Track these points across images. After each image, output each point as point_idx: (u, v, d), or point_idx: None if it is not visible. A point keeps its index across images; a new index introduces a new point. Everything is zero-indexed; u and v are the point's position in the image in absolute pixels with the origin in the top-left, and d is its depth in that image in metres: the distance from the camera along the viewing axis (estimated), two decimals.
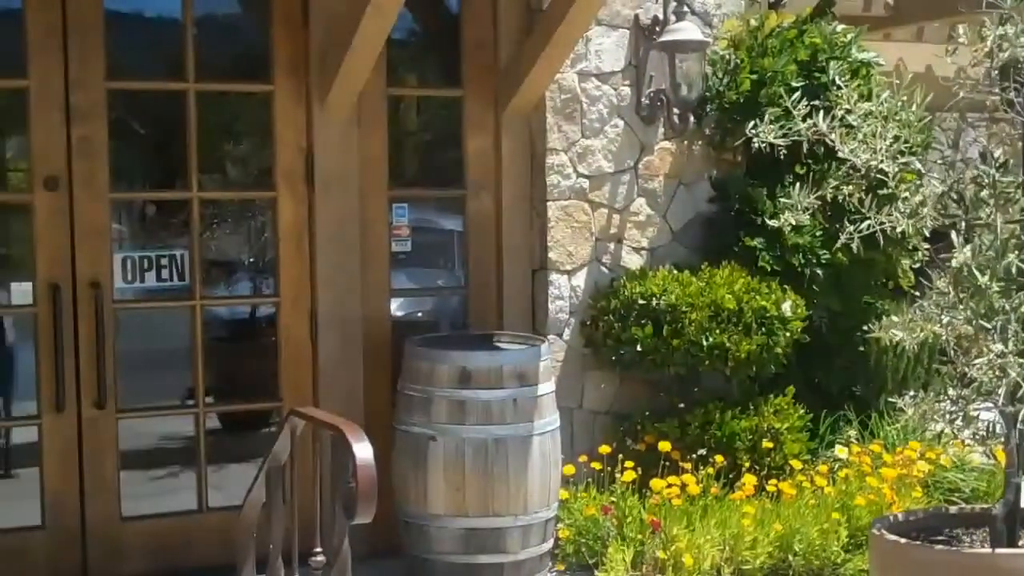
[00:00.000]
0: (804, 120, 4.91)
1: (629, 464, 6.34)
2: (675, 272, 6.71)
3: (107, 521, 6.06)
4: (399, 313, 6.99)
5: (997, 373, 4.45)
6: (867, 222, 4.80)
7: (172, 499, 6.51)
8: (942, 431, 6.39)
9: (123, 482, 6.13)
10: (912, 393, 5.27)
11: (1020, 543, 4.84)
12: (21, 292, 6.55)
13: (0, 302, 6.93)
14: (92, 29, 5.90)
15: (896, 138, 4.87)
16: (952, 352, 4.74)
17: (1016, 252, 4.57)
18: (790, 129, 4.98)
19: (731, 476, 6.44)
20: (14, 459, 6.76)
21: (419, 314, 7.79)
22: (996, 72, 4.59)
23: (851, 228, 4.82)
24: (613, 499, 6.23)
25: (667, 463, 6.36)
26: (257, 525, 4.87)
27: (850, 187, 4.88)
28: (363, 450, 4.04)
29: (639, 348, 6.45)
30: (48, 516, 5.98)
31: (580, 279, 6.78)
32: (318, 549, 4.49)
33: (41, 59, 5.83)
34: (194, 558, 6.16)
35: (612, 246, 6.86)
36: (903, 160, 4.85)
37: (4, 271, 6.86)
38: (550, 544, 6.12)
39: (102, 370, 5.94)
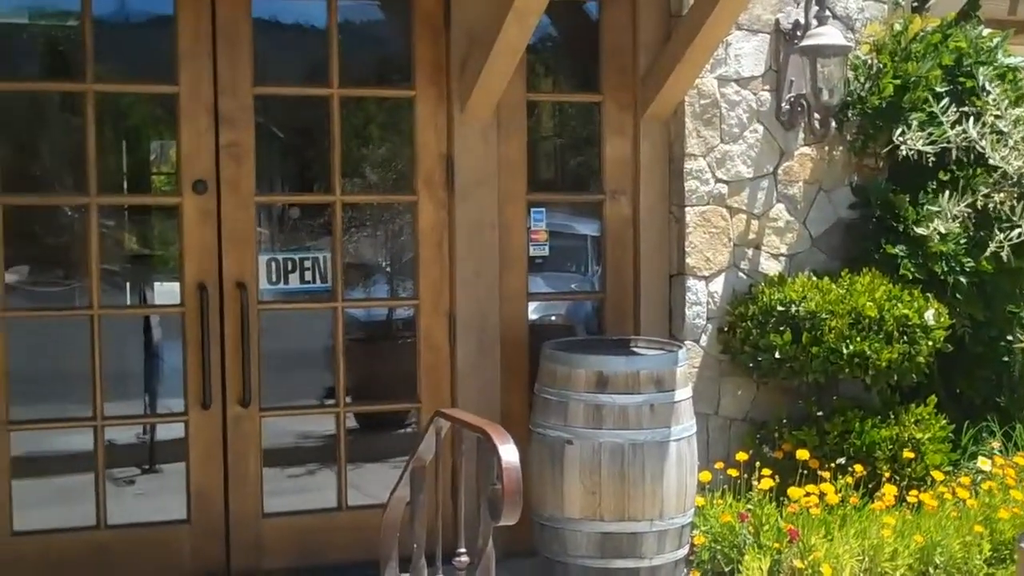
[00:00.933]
0: (953, 127, 4.83)
1: (766, 472, 6.29)
2: (814, 279, 6.64)
3: (249, 517, 6.18)
4: (534, 316, 7.03)
5: None
6: (1017, 230, 4.71)
7: (311, 497, 6.63)
8: None
9: (264, 479, 6.25)
10: None
11: None
12: (168, 292, 6.72)
13: (149, 301, 7.14)
14: (241, 36, 6.03)
15: None
16: None
17: None
18: (938, 136, 4.89)
19: (870, 486, 6.36)
20: (160, 454, 6.94)
21: (553, 318, 7.82)
22: None
23: (1001, 236, 4.73)
24: (750, 507, 6.19)
25: (805, 471, 6.30)
26: (400, 524, 4.93)
27: (1001, 194, 4.79)
28: (509, 452, 4.07)
29: (777, 355, 6.40)
30: (193, 510, 6.12)
31: (718, 285, 6.75)
32: (461, 549, 4.53)
33: (191, 65, 5.98)
34: (332, 555, 6.26)
35: (750, 252, 6.82)
36: None
37: (152, 271, 7.05)
38: (685, 550, 6.10)
39: (247, 369, 6.06)
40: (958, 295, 6.66)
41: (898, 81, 6.72)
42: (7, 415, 5.82)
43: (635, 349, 6.32)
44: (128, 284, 7.90)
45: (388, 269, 7.54)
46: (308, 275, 6.44)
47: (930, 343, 6.47)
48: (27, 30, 6.93)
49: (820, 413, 6.60)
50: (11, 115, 6.08)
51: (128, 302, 7.45)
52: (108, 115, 6.40)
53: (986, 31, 7.05)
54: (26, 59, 7.01)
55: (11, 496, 5.85)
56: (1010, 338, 5.75)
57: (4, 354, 5.80)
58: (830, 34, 6.56)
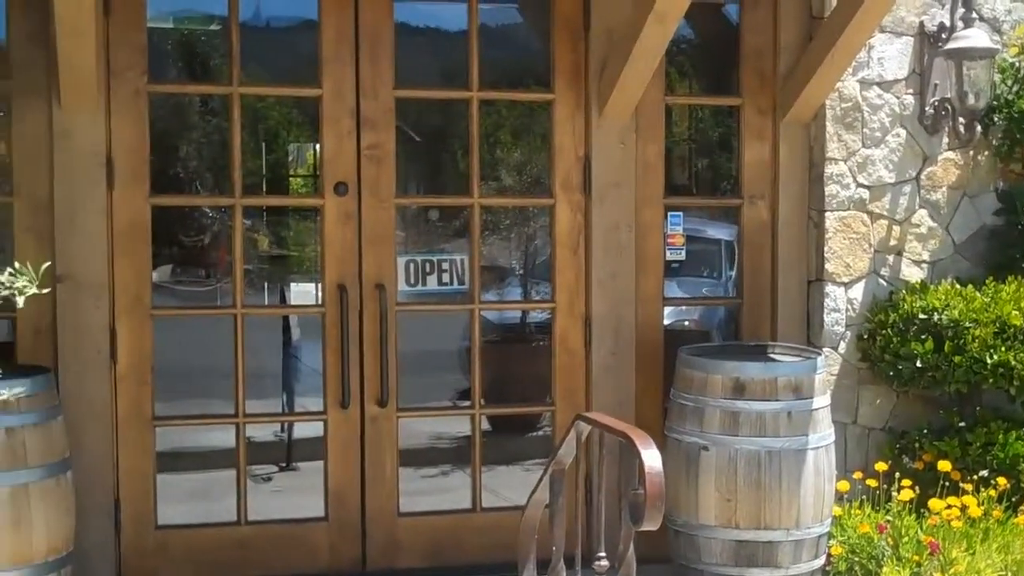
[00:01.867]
0: None
1: (906, 483, 6.17)
2: (957, 286, 6.50)
3: (385, 516, 6.23)
4: (668, 320, 7.00)
5: None
6: None
7: (445, 497, 6.68)
8: None
9: (400, 478, 6.30)
10: None
11: None
12: (304, 292, 6.83)
13: (286, 301, 7.26)
14: (383, 39, 6.08)
15: None
16: None
17: None
18: None
19: (1014, 499, 6.20)
20: (297, 452, 7.06)
21: (687, 322, 7.79)
22: None
23: None
24: (889, 518, 6.08)
25: (946, 483, 6.16)
26: (539, 526, 4.94)
27: None
28: (652, 458, 4.05)
29: (918, 364, 6.28)
30: (331, 508, 6.19)
31: (857, 291, 6.64)
32: (601, 553, 4.52)
33: (334, 69, 6.05)
34: (466, 556, 6.28)
35: (891, 258, 6.70)
36: None
37: (289, 271, 7.16)
38: (822, 560, 6.01)
39: (384, 369, 6.12)
40: None
41: None
42: (153, 411, 5.94)
43: (772, 355, 6.25)
44: (266, 284, 8.06)
45: (522, 271, 7.57)
46: (445, 277, 6.49)
47: None
48: (172, 35, 7.10)
49: (962, 424, 6.45)
50: (158, 118, 6.21)
51: (266, 301, 7.59)
52: (249, 118, 6.52)
53: None
54: (170, 63, 7.19)
55: (156, 490, 5.97)
56: None
57: (151, 352, 5.92)
58: (976, 37, 6.42)
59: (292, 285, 7.86)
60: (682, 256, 6.76)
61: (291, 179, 9.55)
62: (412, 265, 6.43)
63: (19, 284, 3.14)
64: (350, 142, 6.08)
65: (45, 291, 3.17)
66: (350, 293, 6.09)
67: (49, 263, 3.40)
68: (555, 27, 6.34)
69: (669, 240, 6.69)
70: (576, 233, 6.42)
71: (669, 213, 6.67)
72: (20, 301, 3.13)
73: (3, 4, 5.67)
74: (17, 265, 3.12)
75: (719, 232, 7.68)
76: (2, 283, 3.13)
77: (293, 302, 7.59)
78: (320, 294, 6.24)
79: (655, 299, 6.57)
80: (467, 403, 6.55)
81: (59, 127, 5.64)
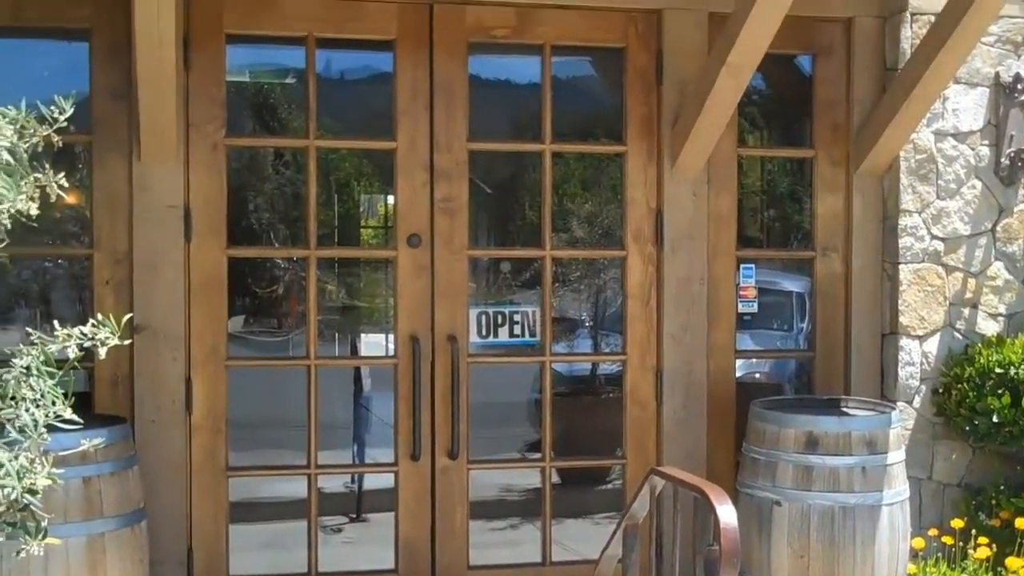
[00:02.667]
0: None
1: (982, 540, 6.07)
2: None
3: (455, 569, 6.22)
4: (739, 373, 6.95)
5: None
6: None
7: (515, 550, 6.65)
8: None
9: (470, 531, 6.28)
10: None
11: None
12: (375, 343, 6.86)
13: (357, 351, 7.29)
14: (457, 92, 6.14)
15: None
16: None
17: None
18: None
19: None
20: (368, 504, 7.06)
21: (758, 375, 7.74)
22: None
23: None
24: None
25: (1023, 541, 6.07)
26: None
27: None
28: (727, 514, 4.02)
29: (994, 419, 6.19)
30: (401, 561, 6.19)
31: (932, 345, 6.57)
32: None
33: (409, 121, 6.11)
34: None
35: (966, 311, 6.63)
36: None
37: (360, 322, 7.19)
38: None
39: (455, 421, 6.12)
40: None
41: None
42: (226, 461, 5.98)
43: (846, 409, 6.19)
44: (337, 334, 8.11)
45: (593, 323, 7.55)
46: (517, 329, 6.50)
47: None
48: (248, 87, 7.19)
49: None
50: (234, 169, 6.29)
51: (337, 352, 7.63)
52: (322, 169, 6.58)
53: None
54: (247, 115, 7.28)
55: (228, 540, 6.00)
56: None
57: (226, 402, 5.97)
58: None
59: (363, 335, 7.90)
60: (754, 308, 6.72)
61: (362, 230, 9.60)
62: (484, 317, 6.44)
63: (101, 336, 3.17)
64: (424, 194, 6.13)
65: (126, 343, 3.20)
66: (422, 344, 6.11)
67: (130, 315, 3.43)
68: (628, 79, 6.37)
69: (741, 292, 6.65)
70: (648, 285, 6.41)
71: (741, 265, 6.64)
72: (102, 352, 3.16)
73: (87, 60, 5.79)
74: (100, 316, 3.15)
75: (792, 284, 7.63)
76: (85, 335, 3.16)
77: (364, 353, 7.63)
78: (392, 345, 6.27)
79: (727, 352, 6.54)
80: (537, 455, 6.53)
81: (138, 180, 5.73)
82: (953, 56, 5.98)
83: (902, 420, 6.26)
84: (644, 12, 6.29)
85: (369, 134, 6.58)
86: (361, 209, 9.89)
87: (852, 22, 6.53)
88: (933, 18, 6.19)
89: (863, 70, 6.54)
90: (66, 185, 3.13)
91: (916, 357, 6.54)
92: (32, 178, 3.03)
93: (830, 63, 6.59)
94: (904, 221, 6.52)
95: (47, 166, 3.07)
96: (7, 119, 3.02)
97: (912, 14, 6.42)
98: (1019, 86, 6.57)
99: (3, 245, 3.20)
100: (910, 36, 6.41)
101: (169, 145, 5.64)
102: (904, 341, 6.53)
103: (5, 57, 5.77)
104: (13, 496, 2.92)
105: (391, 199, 6.33)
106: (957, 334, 6.62)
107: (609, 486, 7.38)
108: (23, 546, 2.99)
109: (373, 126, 6.52)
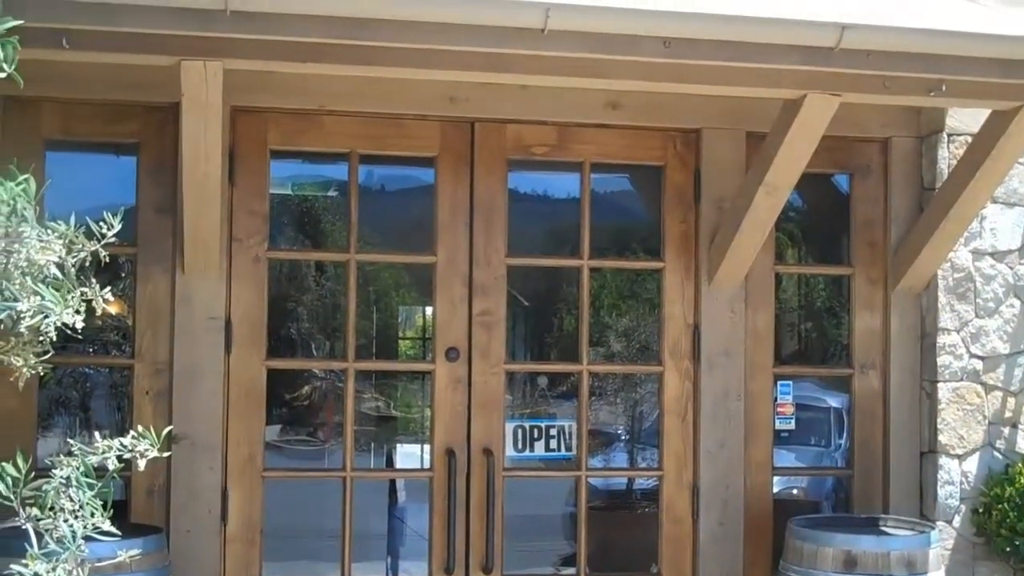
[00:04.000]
0: None
1: None
2: None
3: None
4: (776, 489, 6.90)
5: None
6: None
7: None
8: None
9: None
10: None
11: None
12: (410, 454, 6.86)
13: (392, 462, 7.30)
14: (497, 208, 6.22)
15: None
16: None
17: None
18: None
19: None
20: None
21: (795, 491, 7.67)
22: None
23: None
24: None
25: None
26: None
27: None
28: None
29: None
30: None
31: (972, 464, 6.51)
32: None
33: (449, 236, 6.18)
34: None
35: (1006, 430, 6.58)
36: None
37: (395, 433, 7.21)
38: None
39: (490, 535, 6.10)
40: None
41: None
42: (260, 572, 5.97)
43: (884, 528, 6.13)
44: (372, 444, 8.11)
45: (629, 437, 7.54)
46: (552, 443, 6.49)
47: None
48: (290, 200, 7.30)
49: None
50: (274, 280, 6.37)
51: (373, 462, 7.63)
52: (361, 280, 6.64)
53: None
54: (288, 227, 7.37)
55: None
56: None
57: (261, 513, 5.98)
58: None
59: (399, 446, 7.90)
60: (792, 425, 6.69)
61: (400, 341, 9.66)
62: (520, 431, 6.44)
63: (141, 448, 3.21)
64: (462, 308, 6.17)
65: (165, 455, 3.24)
66: (458, 457, 6.12)
67: (171, 427, 3.48)
68: (665, 197, 6.43)
69: (779, 409, 6.63)
70: (684, 400, 6.41)
71: (779, 381, 6.62)
72: (142, 464, 3.20)
73: (134, 174, 5.91)
74: (139, 428, 3.19)
75: (830, 400, 7.60)
76: (125, 446, 3.20)
77: (400, 463, 7.62)
78: (428, 457, 6.28)
79: (764, 468, 6.50)
80: (572, 570, 6.48)
81: (181, 292, 5.81)
82: (990, 177, 6.01)
83: (941, 540, 6.19)
84: (682, 131, 6.37)
85: (409, 247, 6.66)
86: (399, 320, 9.95)
87: (889, 142, 6.58)
88: (970, 139, 6.23)
89: (900, 189, 6.58)
90: (111, 299, 3.19)
91: (956, 476, 6.49)
92: (79, 292, 3.09)
93: (868, 182, 6.64)
94: (942, 339, 6.51)
95: (93, 280, 3.13)
96: (56, 234, 3.09)
97: (949, 135, 6.47)
98: None
99: (48, 356, 3.26)
100: (947, 156, 6.45)
101: (212, 258, 5.72)
102: (943, 460, 6.48)
103: (56, 170, 5.88)
104: None
105: (429, 310, 6.39)
106: (997, 453, 6.56)
107: None
108: None
109: (413, 238, 6.60)
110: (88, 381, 6.81)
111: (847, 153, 6.55)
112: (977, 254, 6.59)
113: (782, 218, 6.41)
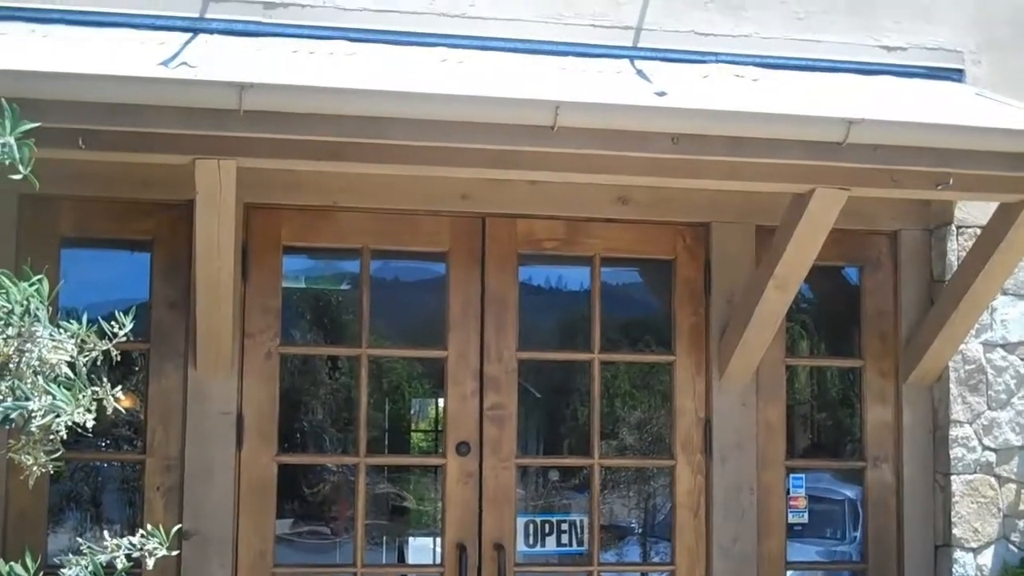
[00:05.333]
0: None
1: None
2: None
3: None
4: None
5: None
6: None
7: None
8: None
9: None
10: None
11: None
12: (421, 547, 6.82)
13: (403, 557, 7.25)
14: (508, 302, 6.25)
15: None
16: None
17: None
18: None
19: None
20: None
21: None
22: None
23: None
24: None
25: None
26: None
27: None
28: None
29: None
30: None
31: (986, 557, 6.46)
32: None
33: (460, 331, 6.20)
34: None
35: (1021, 523, 6.53)
36: None
37: (407, 526, 7.17)
38: None
39: None
40: None
41: None
42: None
43: None
44: (384, 537, 8.06)
45: (641, 530, 7.48)
46: (564, 538, 6.46)
47: None
48: (303, 293, 7.32)
49: None
50: (286, 375, 6.37)
51: (384, 557, 7.58)
52: (373, 372, 6.65)
53: None
54: (301, 321, 7.40)
55: None
56: None
57: None
58: None
59: (411, 539, 7.83)
60: (804, 519, 6.65)
61: (412, 433, 9.63)
62: (532, 525, 6.41)
63: (150, 546, 3.20)
64: (473, 402, 6.18)
65: (174, 553, 3.23)
66: (469, 553, 6.09)
67: (180, 525, 3.49)
68: (676, 290, 6.45)
69: (791, 503, 6.59)
70: (696, 494, 6.38)
71: (791, 474, 6.59)
72: (150, 563, 3.19)
73: (148, 270, 5.95)
74: (149, 526, 3.19)
75: (844, 491, 7.54)
76: (134, 545, 3.20)
77: (411, 557, 7.56)
78: (439, 552, 6.25)
79: (777, 562, 6.45)
80: None
81: (193, 388, 5.83)
82: (1000, 269, 6.02)
83: None
84: (692, 225, 6.41)
85: (421, 339, 6.67)
86: (411, 411, 9.92)
87: (898, 235, 6.61)
88: (979, 231, 6.26)
89: (910, 281, 6.60)
90: (122, 397, 3.21)
91: (971, 569, 6.43)
92: (90, 391, 3.10)
93: (877, 274, 6.66)
94: (955, 432, 6.48)
95: (105, 379, 3.15)
96: (69, 333, 3.11)
97: (958, 227, 6.50)
98: None
99: (58, 454, 3.27)
100: (956, 248, 6.48)
101: (224, 354, 5.75)
102: (958, 554, 6.43)
103: (70, 265, 5.94)
104: None
105: (441, 402, 6.40)
106: (1012, 546, 6.50)
107: None
108: None
109: (425, 330, 6.62)
110: (99, 476, 6.80)
111: (856, 246, 6.57)
112: (988, 346, 6.58)
113: (792, 310, 6.42)
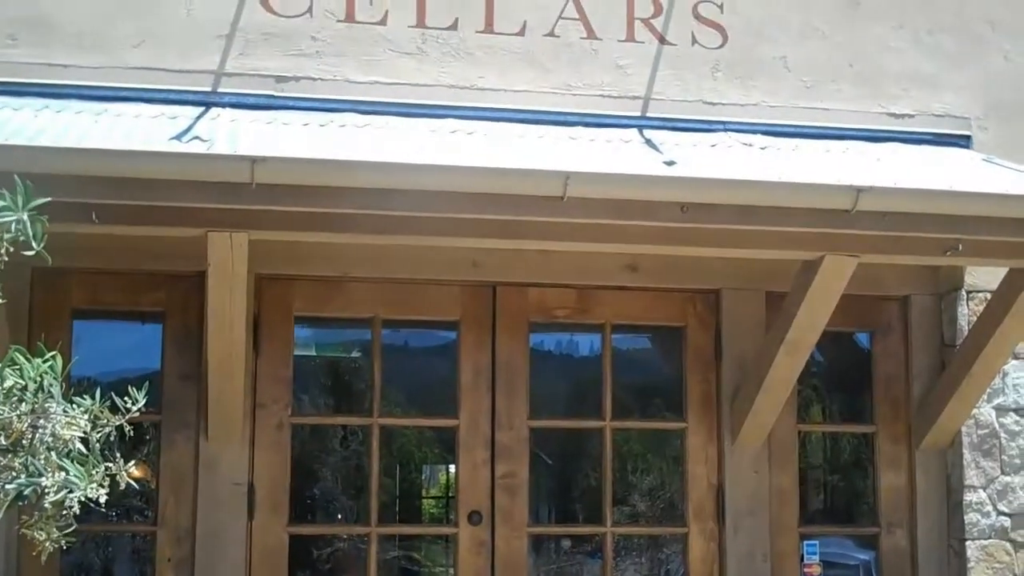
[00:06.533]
0: None
1: None
2: None
3: None
4: None
5: None
6: None
7: None
8: None
9: None
10: None
11: None
12: None
13: None
14: (518, 370, 6.25)
15: None
16: None
17: None
18: None
19: None
20: None
21: None
22: None
23: None
24: None
25: None
26: None
27: None
28: None
29: None
30: None
31: None
32: None
33: (471, 399, 6.21)
34: None
35: None
36: None
37: None
38: None
39: None
40: None
41: None
42: None
43: None
44: None
45: None
46: None
47: None
48: (313, 361, 7.33)
49: None
50: (297, 444, 6.36)
51: None
52: (384, 439, 6.63)
53: None
54: (311, 389, 7.39)
55: None
56: None
57: None
58: None
59: None
60: None
61: (424, 500, 9.60)
62: None
63: None
64: (484, 471, 6.17)
65: None
66: None
67: None
68: (687, 356, 6.46)
69: (806, 569, 6.54)
70: (710, 562, 6.35)
71: (805, 541, 6.55)
72: None
73: (159, 341, 5.97)
74: None
75: (858, 556, 7.48)
76: None
77: None
78: None
79: None
80: None
81: (205, 459, 5.83)
82: (1010, 334, 6.02)
83: None
84: (702, 292, 6.43)
85: (432, 407, 6.67)
86: (423, 476, 9.88)
87: (908, 300, 6.62)
88: (989, 296, 6.26)
89: (921, 346, 6.60)
90: (135, 472, 3.21)
91: None
92: (103, 467, 3.11)
93: (888, 339, 6.65)
94: (969, 497, 6.45)
95: (118, 454, 3.15)
96: (82, 409, 3.12)
97: (968, 292, 6.50)
98: None
99: (71, 530, 3.27)
100: (967, 313, 6.48)
101: (236, 425, 5.75)
102: None
103: (83, 336, 5.97)
104: None
105: (452, 468, 6.38)
106: None
107: None
108: None
109: (436, 398, 6.63)
110: (110, 546, 6.78)
111: (866, 311, 6.57)
112: (1001, 410, 6.56)
113: (803, 375, 6.41)
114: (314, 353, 7.30)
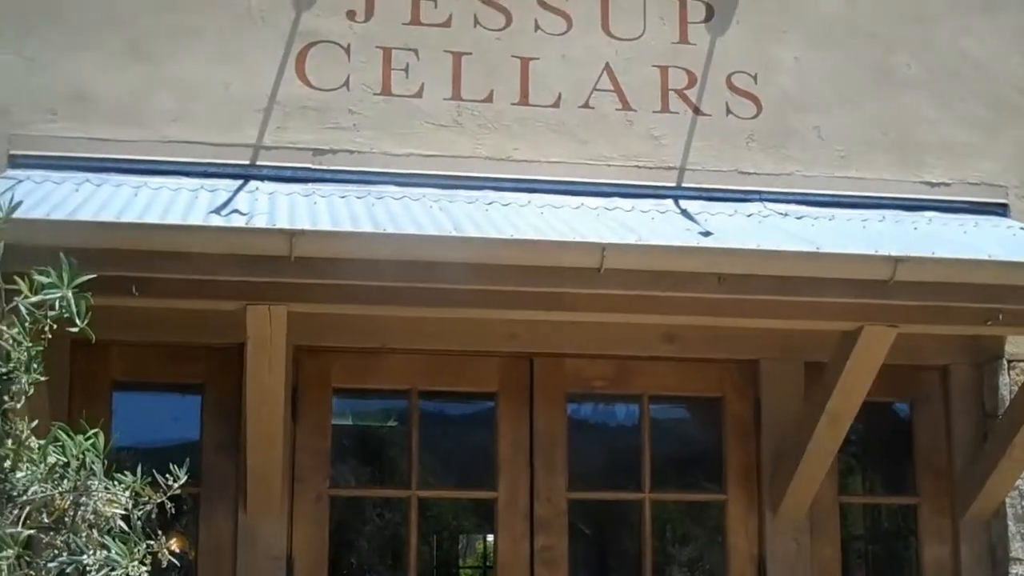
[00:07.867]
0: None
1: None
2: None
3: None
4: None
5: None
6: None
7: None
8: None
9: None
10: None
11: None
12: None
13: None
14: (557, 442, 6.22)
15: None
16: None
17: None
18: None
19: None
20: None
21: None
22: None
23: None
24: None
25: None
26: None
27: None
28: None
29: None
30: None
31: None
32: None
33: (509, 472, 6.17)
34: None
35: None
36: None
37: None
38: None
39: None
40: None
41: None
42: None
43: None
44: None
45: None
46: None
47: None
48: (351, 431, 7.34)
49: None
50: (336, 514, 6.35)
51: None
52: (422, 509, 6.61)
53: None
54: (350, 458, 7.40)
55: None
56: None
57: None
58: None
59: None
60: None
61: (461, 570, 9.55)
62: None
63: None
64: (524, 544, 6.12)
65: None
66: None
67: None
68: (726, 427, 6.42)
69: None
70: None
71: None
72: None
73: (198, 413, 5.99)
74: None
75: None
76: None
77: None
78: None
79: None
80: None
81: (244, 532, 5.81)
82: None
83: None
84: (740, 363, 6.39)
85: (470, 478, 6.66)
86: (460, 546, 9.86)
87: (948, 369, 6.56)
88: None
89: (962, 416, 6.54)
90: (175, 546, 3.21)
91: None
92: (144, 545, 3.11)
93: (928, 410, 6.60)
94: (1015, 569, 6.36)
95: (160, 532, 3.15)
96: (123, 486, 3.13)
97: (1009, 361, 6.45)
98: None
99: None
100: (1008, 383, 6.42)
101: (275, 498, 5.74)
102: None
103: (122, 407, 6.00)
104: None
105: (490, 538, 6.35)
106: None
107: None
108: None
109: (474, 469, 6.61)
110: None
111: (906, 381, 6.51)
112: None
113: (843, 445, 6.37)
114: (350, 422, 7.32)
